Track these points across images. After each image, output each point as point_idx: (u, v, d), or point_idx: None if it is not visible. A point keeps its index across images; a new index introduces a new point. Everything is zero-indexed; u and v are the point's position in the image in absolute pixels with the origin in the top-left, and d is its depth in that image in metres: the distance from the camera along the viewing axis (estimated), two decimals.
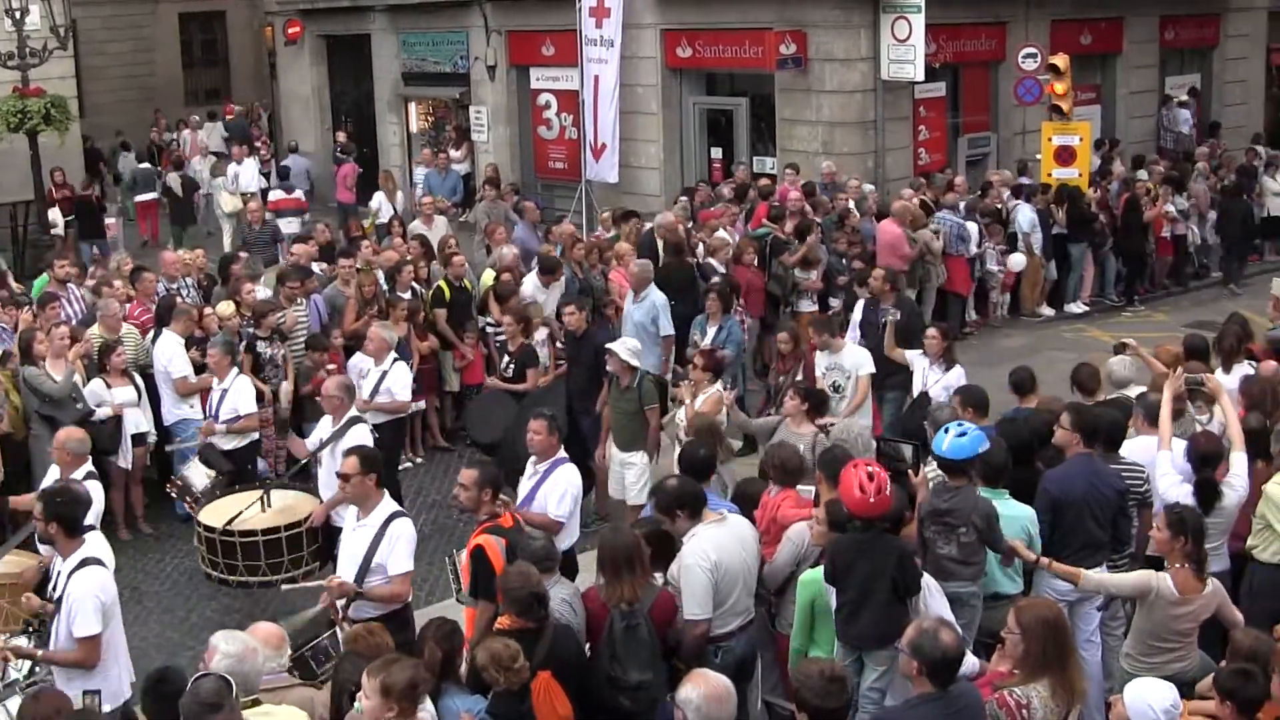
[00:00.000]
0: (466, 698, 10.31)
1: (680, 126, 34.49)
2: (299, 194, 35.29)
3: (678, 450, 15.64)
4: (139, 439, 19.02)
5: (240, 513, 15.28)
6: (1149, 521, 13.24)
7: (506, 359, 20.32)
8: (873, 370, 18.53)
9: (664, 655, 11.55)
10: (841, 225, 25.81)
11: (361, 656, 10.10)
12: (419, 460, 21.83)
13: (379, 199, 33.00)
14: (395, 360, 18.98)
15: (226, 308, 20.82)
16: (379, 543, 12.48)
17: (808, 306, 24.74)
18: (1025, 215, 28.58)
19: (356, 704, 9.34)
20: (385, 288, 22.12)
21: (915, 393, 18.21)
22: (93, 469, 14.47)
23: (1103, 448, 13.32)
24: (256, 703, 9.66)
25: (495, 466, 15.04)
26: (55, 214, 33.07)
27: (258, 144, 42.70)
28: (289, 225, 32.13)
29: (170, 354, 19.16)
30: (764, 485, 13.66)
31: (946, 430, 12.45)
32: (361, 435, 15.40)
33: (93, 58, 50.49)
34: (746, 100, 33.76)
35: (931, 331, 18.39)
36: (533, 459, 14.48)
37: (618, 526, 12.61)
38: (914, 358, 18.38)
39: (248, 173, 36.50)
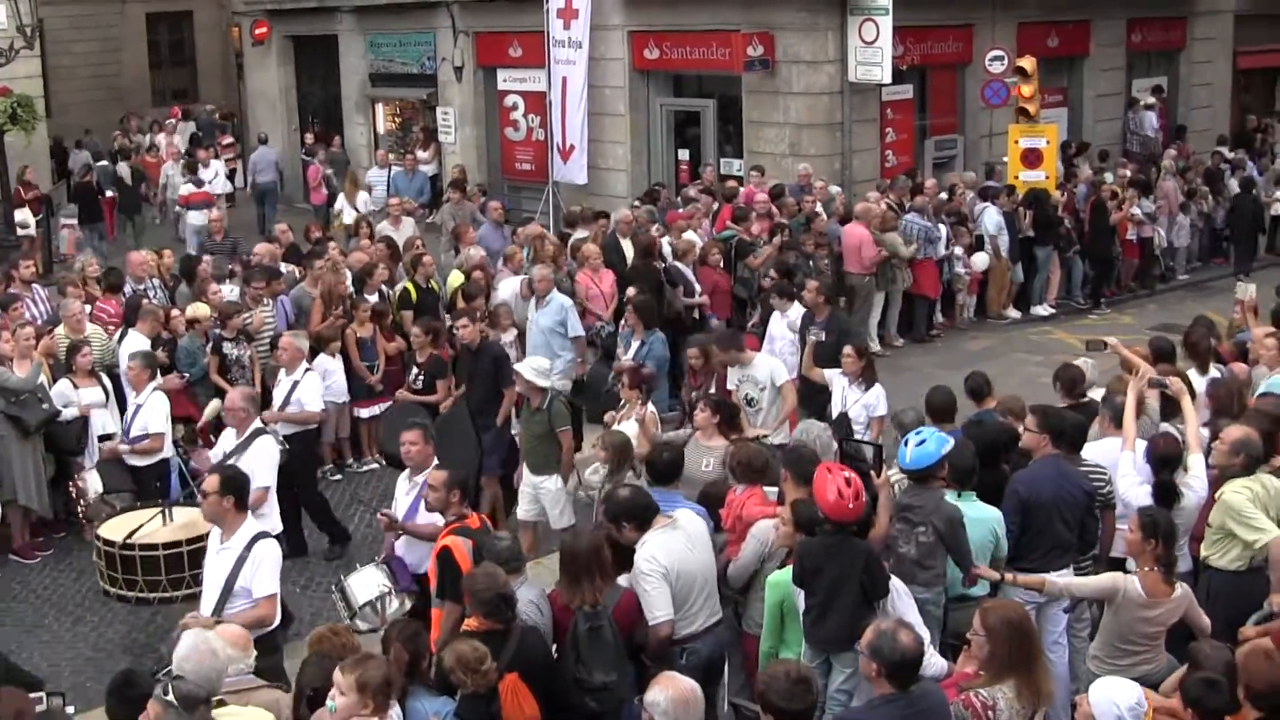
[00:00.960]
0: (434, 699, 10.30)
1: (647, 128, 34.50)
2: (208, 188, 35.93)
3: (593, 466, 15.37)
4: (105, 439, 18.94)
5: (140, 526, 14.87)
6: (1111, 523, 13.30)
7: (415, 370, 20.03)
8: (791, 376, 18.19)
9: (630, 656, 11.56)
10: (809, 227, 25.82)
11: (326, 657, 10.09)
12: (383, 462, 21.63)
13: (341, 200, 33.04)
14: (307, 370, 18.66)
15: (200, 309, 20.77)
16: (242, 565, 12.13)
17: None
18: (991, 218, 28.65)
19: (330, 702, 9.35)
20: (352, 289, 22.12)
21: (834, 413, 17.57)
22: None
23: (1067, 449, 13.35)
24: (221, 704, 9.65)
25: None
26: (24, 214, 32.96)
27: (224, 145, 42.58)
28: (198, 218, 33.36)
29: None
30: (729, 484, 13.68)
31: (906, 442, 12.44)
32: (266, 449, 15.20)
33: (60, 57, 50.38)
34: (714, 102, 33.77)
35: (848, 350, 17.69)
36: (408, 471, 14.30)
37: (579, 530, 12.58)
38: (833, 377, 17.86)
39: (216, 175, 36.40)
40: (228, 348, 20.05)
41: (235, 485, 12.50)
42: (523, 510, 17.29)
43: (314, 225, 29.35)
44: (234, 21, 48.38)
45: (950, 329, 28.66)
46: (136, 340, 19.19)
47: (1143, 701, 9.41)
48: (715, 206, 27.92)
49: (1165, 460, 13.05)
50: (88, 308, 20.72)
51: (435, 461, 13.95)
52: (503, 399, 18.32)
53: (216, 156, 38.51)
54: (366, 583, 13.61)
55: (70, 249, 32.61)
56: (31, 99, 33.23)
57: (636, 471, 14.70)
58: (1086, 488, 13.07)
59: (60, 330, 19.57)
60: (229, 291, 21.93)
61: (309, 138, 41.40)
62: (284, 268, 23.38)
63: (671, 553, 11.86)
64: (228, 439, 15.68)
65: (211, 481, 12.47)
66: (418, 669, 10.47)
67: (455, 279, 23.04)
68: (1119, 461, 13.29)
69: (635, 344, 20.03)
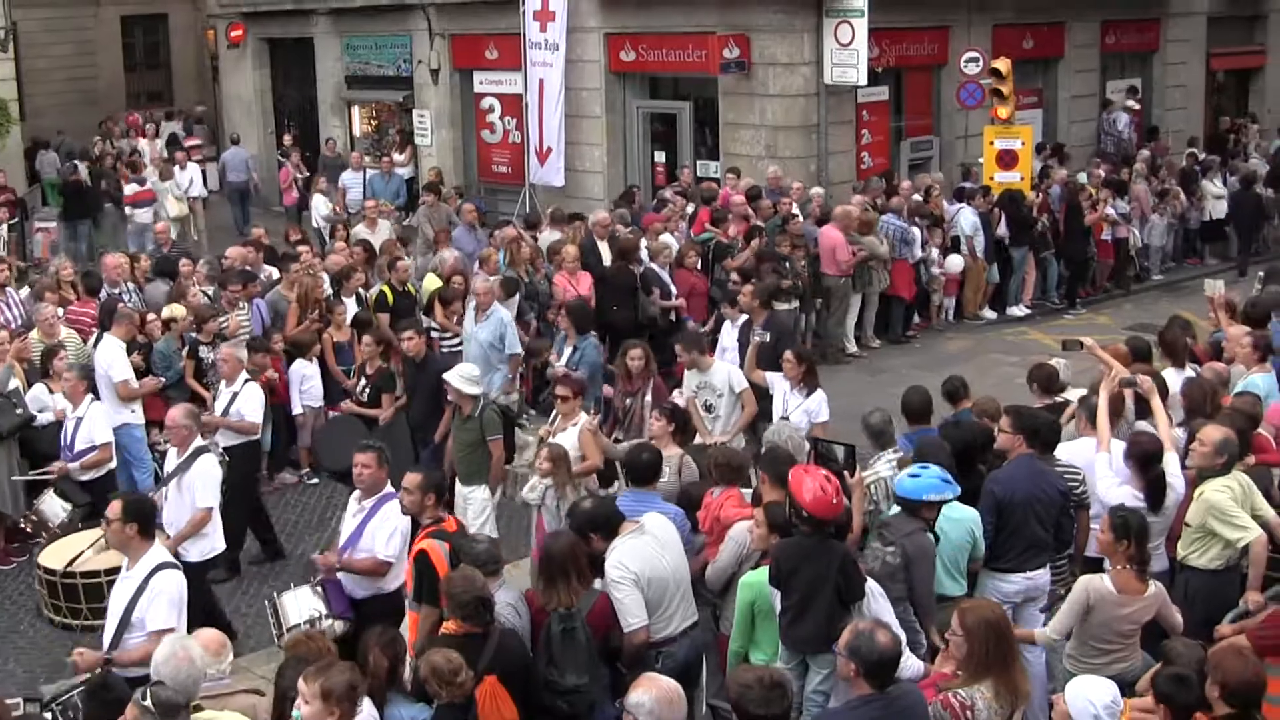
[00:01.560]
0: (410, 706, 10.32)
1: (624, 130, 34.47)
2: (150, 185, 35.96)
3: (530, 483, 15.14)
4: None
5: (81, 553, 14.78)
6: (1085, 523, 13.32)
7: (363, 382, 19.64)
8: (747, 385, 17.66)
9: (605, 660, 11.58)
10: (784, 229, 25.83)
11: (304, 661, 10.08)
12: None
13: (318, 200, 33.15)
14: (246, 381, 18.18)
15: (176, 309, 20.74)
16: (139, 596, 11.77)
17: None
18: (967, 218, 28.70)
19: (296, 711, 9.34)
20: (330, 292, 22.12)
21: (775, 418, 16.92)
22: None
23: (1041, 449, 13.38)
24: (198, 708, 9.64)
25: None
26: None
27: (192, 147, 42.41)
28: (143, 215, 34.13)
29: (111, 358, 18.94)
30: (707, 486, 13.69)
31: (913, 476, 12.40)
32: (208, 468, 14.98)
33: (34, 60, 50.28)
34: (690, 104, 33.77)
35: (788, 355, 17.21)
36: (356, 495, 13.77)
37: (557, 532, 12.57)
38: (774, 381, 17.45)
39: (193, 177, 36.36)
40: (204, 351, 20.02)
41: (138, 511, 12.05)
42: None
43: (291, 228, 29.36)
44: (209, 24, 48.29)
45: (926, 330, 28.71)
46: (112, 344, 19.11)
47: (1118, 700, 9.47)
48: (691, 209, 27.88)
49: (1152, 457, 13.07)
50: (61, 311, 20.70)
51: (389, 486, 13.53)
52: (443, 416, 17.82)
53: (190, 159, 38.36)
54: (300, 604, 13.18)
55: (45, 252, 32.53)
56: (5, 102, 33.28)
57: (575, 485, 14.58)
58: (1061, 487, 13.12)
59: (34, 334, 19.54)
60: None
61: (287, 139, 41.31)
62: (265, 270, 23.35)
63: (641, 558, 11.90)
64: (170, 458, 15.43)
65: (114, 508, 12.01)
66: (396, 676, 10.48)
67: (431, 282, 23.02)
68: (1095, 463, 13.31)
69: (568, 350, 19.87)
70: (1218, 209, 34.53)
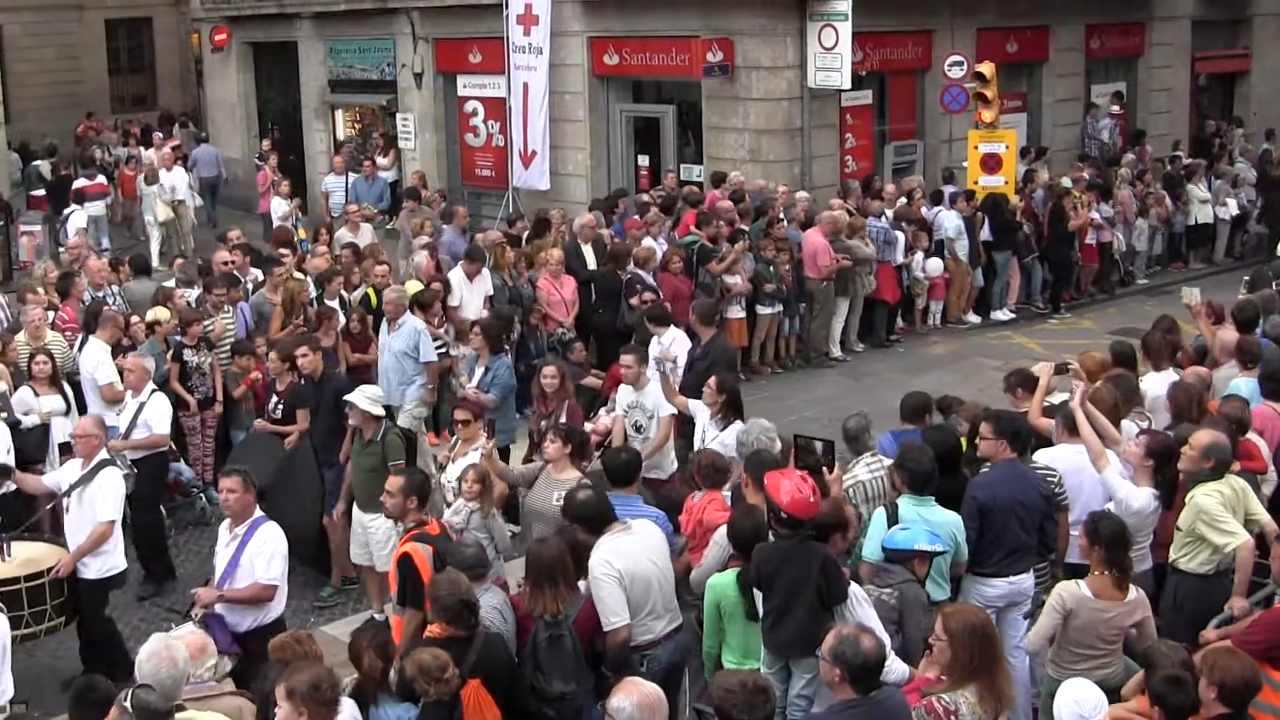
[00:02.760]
0: (396, 706, 10.32)
1: (607, 134, 34.46)
2: (101, 179, 36.57)
3: (454, 506, 14.60)
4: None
5: None
6: (1065, 526, 13.32)
7: (275, 399, 18.48)
8: (674, 411, 16.80)
9: (591, 665, 11.58)
10: (768, 233, 25.85)
11: (287, 664, 10.08)
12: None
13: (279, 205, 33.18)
14: (153, 391, 17.74)
15: (160, 311, 20.70)
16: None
17: (735, 313, 24.83)
18: (951, 222, 28.71)
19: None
20: (314, 294, 22.10)
21: (695, 445, 16.13)
22: None
23: (1020, 451, 13.39)
24: (180, 709, 9.63)
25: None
26: None
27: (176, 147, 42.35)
28: (95, 208, 34.58)
29: (96, 361, 18.97)
30: (688, 491, 13.68)
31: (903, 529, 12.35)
32: (112, 481, 14.75)
33: (18, 64, 50.42)
34: (673, 108, 33.75)
35: (710, 383, 16.11)
36: (227, 523, 13.25)
37: (544, 538, 12.54)
38: (697, 408, 16.34)
39: (179, 181, 36.33)
40: (188, 355, 19.98)
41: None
42: (355, 553, 16.60)
43: (281, 233, 29.32)
44: (193, 28, 48.29)
45: (910, 334, 28.73)
46: (97, 347, 19.09)
47: (1102, 705, 9.50)
48: (672, 219, 27.75)
49: (1170, 454, 13.08)
50: (51, 314, 20.67)
51: (259, 510, 13.15)
52: (345, 435, 16.87)
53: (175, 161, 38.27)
54: None
55: (30, 256, 32.51)
56: None
57: (484, 511, 14.14)
58: (1044, 491, 13.10)
59: (20, 338, 19.50)
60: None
61: (265, 144, 41.31)
62: (250, 274, 23.33)
63: (626, 557, 11.90)
64: (72, 469, 15.10)
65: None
66: (384, 676, 10.48)
67: (412, 286, 22.97)
68: (1106, 477, 13.22)
69: (479, 370, 19.11)
70: (1203, 213, 34.59)
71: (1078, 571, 12.12)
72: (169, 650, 9.86)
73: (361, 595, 17.24)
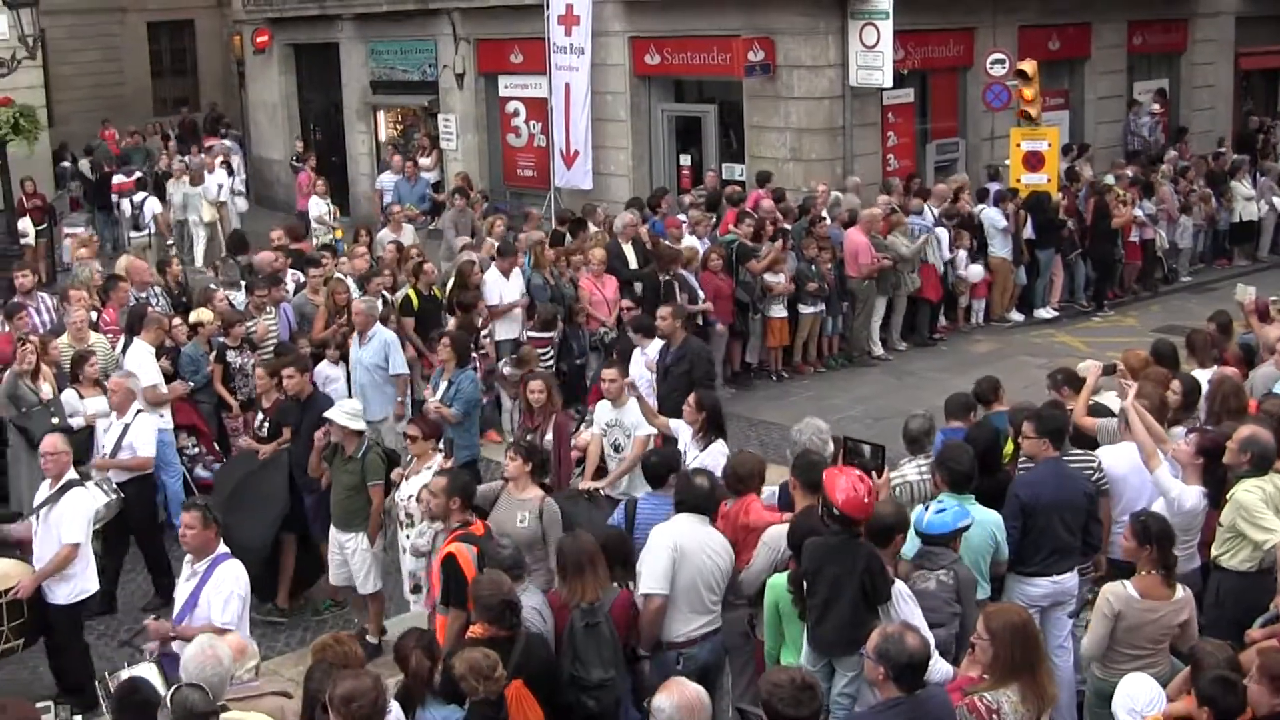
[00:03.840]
0: (443, 708, 10.32)
1: (649, 133, 34.48)
2: (137, 175, 36.83)
3: (418, 529, 14.46)
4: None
5: None
6: (1108, 510, 13.28)
7: (261, 416, 18.29)
8: (652, 431, 16.22)
9: (627, 659, 11.59)
10: (810, 232, 25.81)
11: (332, 665, 10.09)
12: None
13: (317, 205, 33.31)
14: (139, 412, 17.22)
15: (203, 313, 20.75)
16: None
17: (778, 312, 24.80)
18: (994, 220, 28.61)
19: None
20: (356, 294, 22.13)
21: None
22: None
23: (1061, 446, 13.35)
24: (224, 709, 9.66)
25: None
26: (25, 224, 32.95)
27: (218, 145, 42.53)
28: (155, 207, 34.80)
29: (139, 363, 18.97)
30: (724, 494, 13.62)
31: (926, 507, 12.33)
32: (77, 501, 14.37)
33: (61, 67, 50.44)
34: (715, 107, 33.74)
35: (689, 400, 15.44)
36: (189, 558, 12.71)
37: (577, 532, 12.54)
38: (679, 427, 15.73)
39: (222, 183, 36.44)
40: (231, 356, 20.02)
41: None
42: (334, 574, 16.24)
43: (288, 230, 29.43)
44: (235, 30, 48.43)
45: (953, 332, 28.63)
46: (141, 349, 19.13)
47: (1158, 700, 9.47)
48: (715, 218, 27.74)
49: (1213, 453, 13.05)
50: (94, 315, 20.74)
51: (222, 547, 12.66)
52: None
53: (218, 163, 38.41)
54: None
55: (74, 257, 32.64)
56: (34, 109, 33.27)
57: (448, 530, 13.57)
58: (1088, 489, 13.07)
59: (64, 340, 19.54)
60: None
61: (299, 145, 41.53)
62: (291, 274, 23.38)
63: (687, 537, 12.02)
64: (43, 489, 14.75)
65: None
66: (431, 677, 10.49)
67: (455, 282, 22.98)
68: (1159, 476, 13.18)
69: (443, 384, 18.28)
70: (1247, 210, 34.39)
71: (1121, 568, 12.07)
72: (214, 650, 9.89)
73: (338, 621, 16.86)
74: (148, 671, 11.56)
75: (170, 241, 34.51)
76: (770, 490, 13.64)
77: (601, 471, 16.49)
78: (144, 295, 22.07)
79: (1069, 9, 35.37)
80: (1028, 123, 30.87)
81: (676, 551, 11.87)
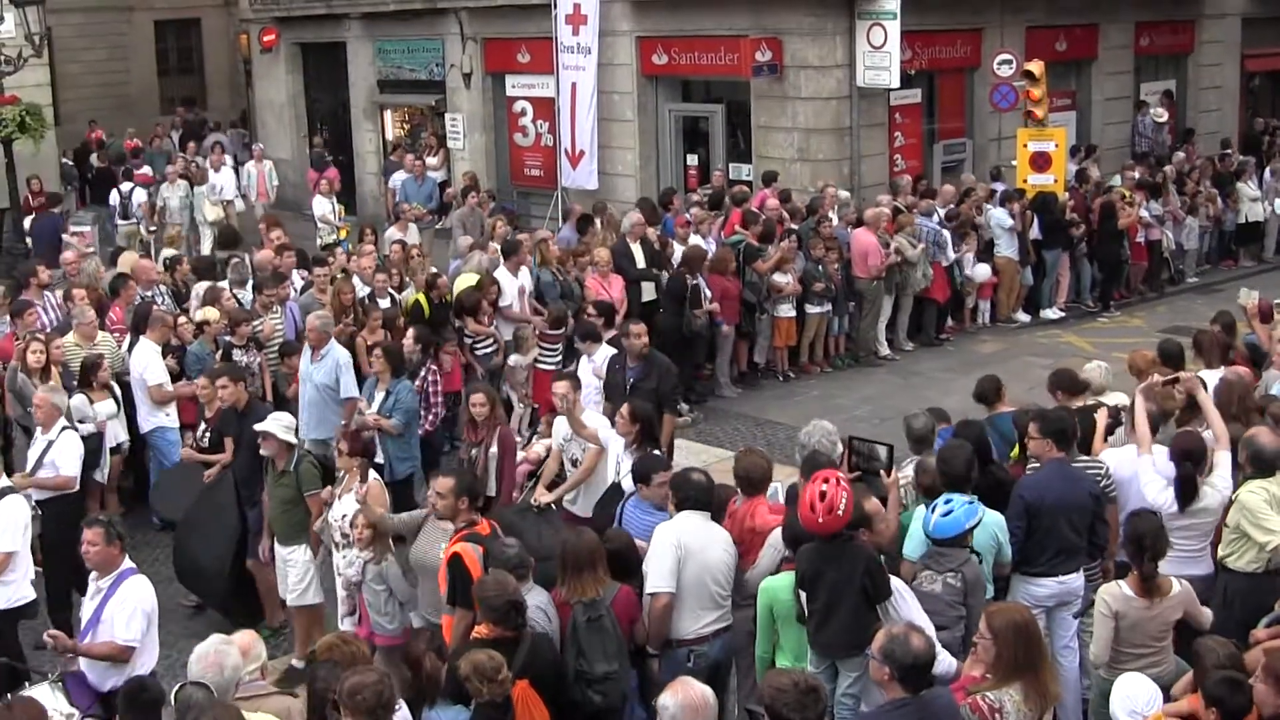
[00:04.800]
0: (449, 709, 10.32)
1: (656, 133, 34.49)
2: (146, 170, 37.14)
3: (348, 558, 14.05)
4: (114, 448, 18.93)
5: None
6: (1115, 518, 13.28)
7: (204, 426, 17.79)
8: (602, 445, 15.63)
9: (632, 656, 11.60)
10: (817, 231, 25.81)
11: (337, 664, 10.10)
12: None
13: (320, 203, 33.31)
14: (64, 429, 16.30)
15: (209, 312, 20.75)
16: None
17: (785, 312, 24.81)
18: (1002, 220, 28.60)
19: None
20: (364, 294, 22.13)
21: (608, 480, 15.42)
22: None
23: (1068, 449, 13.33)
24: None
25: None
26: (32, 222, 32.98)
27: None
28: (141, 195, 34.96)
29: (146, 361, 19.04)
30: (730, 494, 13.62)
31: (933, 508, 12.32)
32: (10, 509, 13.91)
33: (68, 65, 50.53)
34: (722, 107, 33.75)
35: (622, 410, 15.28)
36: (94, 575, 12.26)
37: (580, 530, 12.54)
38: (610, 438, 15.51)
39: (227, 181, 36.45)
40: (237, 355, 20.00)
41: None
42: (283, 588, 15.69)
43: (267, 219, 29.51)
44: (242, 29, 48.40)
45: (960, 333, 28.64)
46: (147, 348, 19.16)
47: (1155, 701, 9.47)
48: (721, 217, 27.74)
49: (1188, 453, 13.08)
50: (113, 315, 20.79)
51: (127, 562, 12.30)
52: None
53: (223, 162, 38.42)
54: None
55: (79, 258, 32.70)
56: (40, 107, 33.26)
57: (376, 558, 13.64)
58: (1093, 490, 13.07)
59: (70, 338, 19.52)
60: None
61: (317, 141, 41.56)
62: (297, 275, 23.39)
63: (692, 534, 12.07)
64: None
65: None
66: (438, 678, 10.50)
67: (464, 281, 22.91)
68: (1139, 467, 13.25)
69: (379, 395, 17.74)
70: (1253, 211, 34.38)
71: (1125, 570, 12.09)
72: (220, 651, 9.90)
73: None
74: (46, 693, 11.42)
75: (154, 229, 34.67)
76: (773, 487, 13.67)
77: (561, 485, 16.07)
78: (150, 294, 22.08)
79: (1076, 10, 35.39)
80: (1034, 124, 30.87)
81: (681, 549, 11.91)
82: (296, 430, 16.04)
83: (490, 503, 15.59)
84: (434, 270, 23.74)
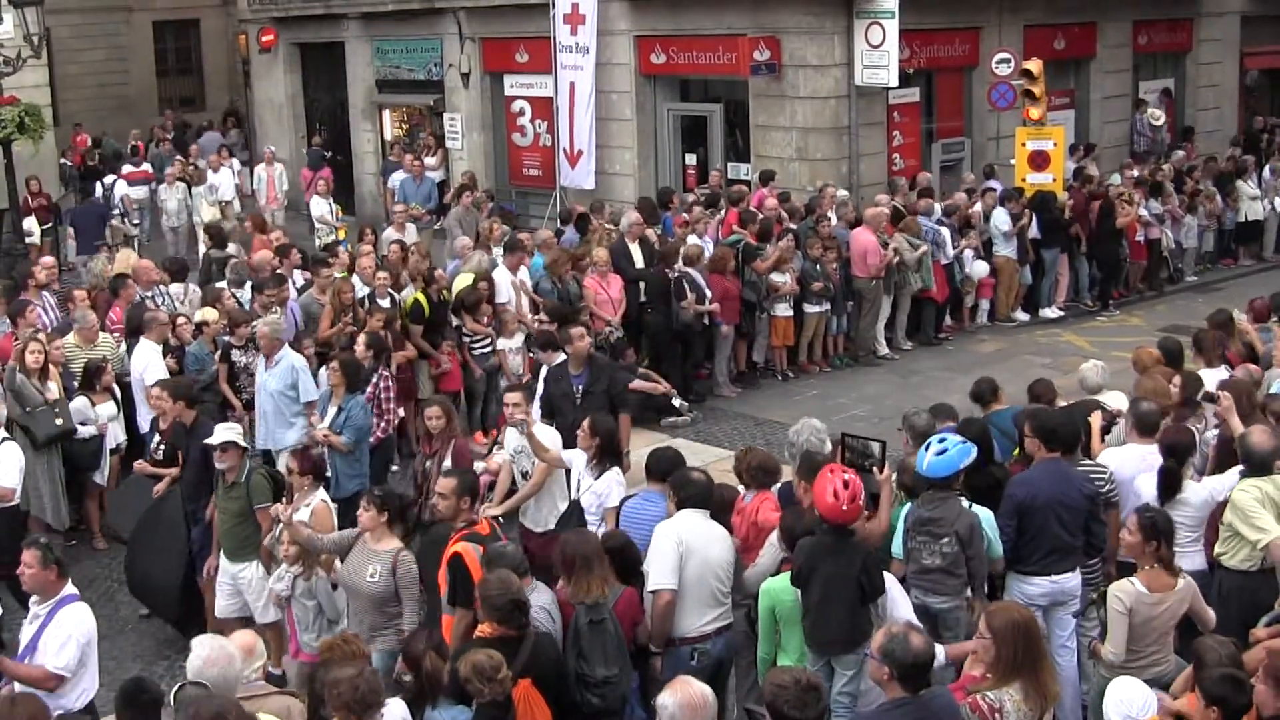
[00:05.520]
0: (450, 708, 10.32)
1: (654, 133, 34.51)
2: (147, 167, 37.77)
3: (276, 573, 13.76)
4: (113, 450, 18.92)
5: None
6: (1116, 522, 13.28)
7: (156, 439, 17.31)
8: (555, 457, 15.25)
9: (634, 656, 11.59)
10: (816, 231, 25.81)
11: (336, 665, 10.11)
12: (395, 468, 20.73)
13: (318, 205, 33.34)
14: (4, 440, 15.88)
15: (208, 312, 20.74)
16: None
17: (783, 311, 24.81)
18: (1000, 219, 28.60)
19: None
20: (364, 294, 22.12)
21: (569, 497, 15.08)
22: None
23: (1062, 451, 13.33)
24: None
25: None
26: (31, 223, 32.90)
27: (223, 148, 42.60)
28: (139, 192, 35.63)
29: (146, 362, 18.98)
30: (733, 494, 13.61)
31: (927, 447, 12.39)
32: None
33: (67, 66, 50.56)
34: (720, 106, 33.77)
35: (583, 425, 14.73)
36: (34, 599, 11.88)
37: (581, 530, 12.54)
38: (572, 455, 15.07)
39: (225, 182, 36.44)
40: (236, 355, 19.98)
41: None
42: (221, 605, 15.23)
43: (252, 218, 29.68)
44: (241, 29, 48.39)
45: (959, 332, 28.64)
46: (147, 348, 19.12)
47: (1150, 705, 9.46)
48: (721, 214, 27.77)
49: (1173, 448, 13.14)
50: (113, 316, 20.79)
51: (69, 589, 11.81)
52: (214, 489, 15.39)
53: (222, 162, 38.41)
54: None
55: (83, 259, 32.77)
56: (39, 108, 33.22)
57: (306, 575, 13.38)
58: (1087, 490, 13.05)
59: (70, 339, 19.52)
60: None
61: (316, 141, 41.62)
62: (299, 276, 23.40)
63: (691, 532, 12.06)
64: None
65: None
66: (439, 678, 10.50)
67: (462, 280, 22.91)
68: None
69: (331, 410, 17.36)
70: (1253, 210, 34.37)
71: (1128, 570, 12.09)
72: (222, 651, 9.91)
73: None
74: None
75: (136, 222, 35.01)
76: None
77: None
78: (150, 294, 22.07)
79: (1074, 8, 35.41)
80: (1032, 123, 30.88)
81: (682, 546, 11.91)
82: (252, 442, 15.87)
83: None
84: (428, 262, 23.71)
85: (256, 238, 26.63)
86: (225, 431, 14.86)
